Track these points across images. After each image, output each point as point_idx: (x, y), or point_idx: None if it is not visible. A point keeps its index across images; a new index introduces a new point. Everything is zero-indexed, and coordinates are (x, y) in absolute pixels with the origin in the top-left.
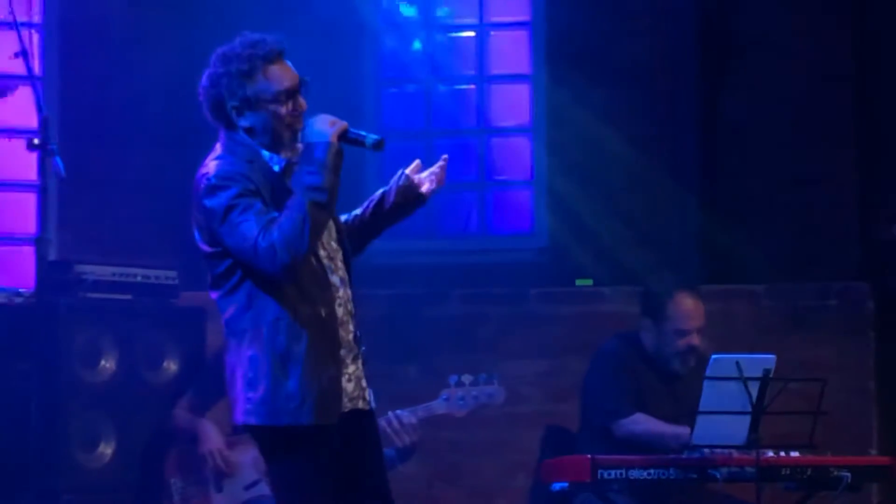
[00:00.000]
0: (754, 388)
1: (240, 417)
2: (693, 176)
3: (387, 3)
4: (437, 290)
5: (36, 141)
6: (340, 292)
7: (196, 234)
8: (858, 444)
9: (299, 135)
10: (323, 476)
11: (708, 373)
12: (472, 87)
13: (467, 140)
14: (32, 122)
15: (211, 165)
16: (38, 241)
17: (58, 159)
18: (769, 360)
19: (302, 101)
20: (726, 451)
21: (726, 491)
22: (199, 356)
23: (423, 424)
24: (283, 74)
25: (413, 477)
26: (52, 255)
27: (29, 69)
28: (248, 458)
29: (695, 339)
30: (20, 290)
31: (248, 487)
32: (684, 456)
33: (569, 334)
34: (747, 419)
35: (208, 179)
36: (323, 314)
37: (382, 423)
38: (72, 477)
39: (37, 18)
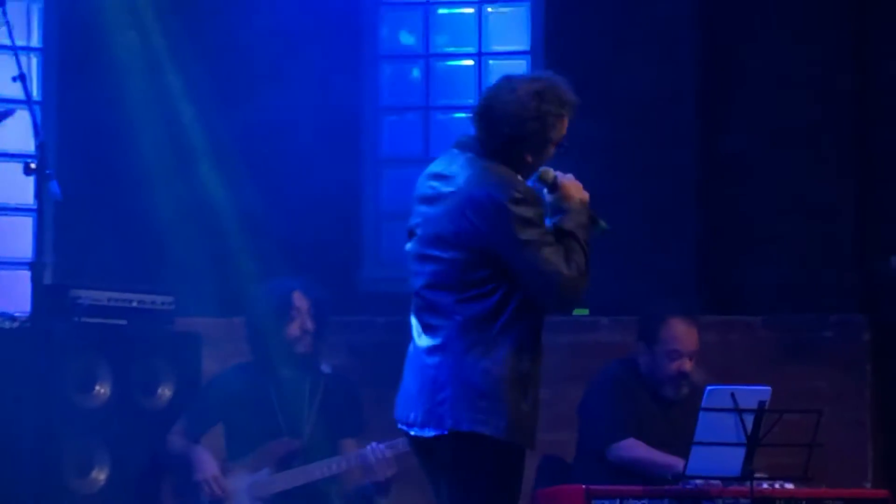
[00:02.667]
0: (749, 420)
1: (464, 425)
2: (691, 206)
3: (386, 32)
4: None
5: (33, 165)
6: None
7: (453, 231)
8: (854, 477)
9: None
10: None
11: (703, 404)
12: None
13: None
14: (30, 146)
15: (509, 177)
16: (34, 266)
17: (54, 184)
18: (764, 391)
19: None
20: (721, 482)
21: None
22: (195, 382)
23: (402, 458)
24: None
25: None
26: (48, 280)
27: (27, 93)
28: (243, 485)
29: (686, 365)
30: (15, 314)
31: None
32: (679, 486)
33: (565, 364)
34: (742, 451)
35: (515, 189)
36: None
37: (363, 454)
38: (65, 503)
39: (36, 43)
